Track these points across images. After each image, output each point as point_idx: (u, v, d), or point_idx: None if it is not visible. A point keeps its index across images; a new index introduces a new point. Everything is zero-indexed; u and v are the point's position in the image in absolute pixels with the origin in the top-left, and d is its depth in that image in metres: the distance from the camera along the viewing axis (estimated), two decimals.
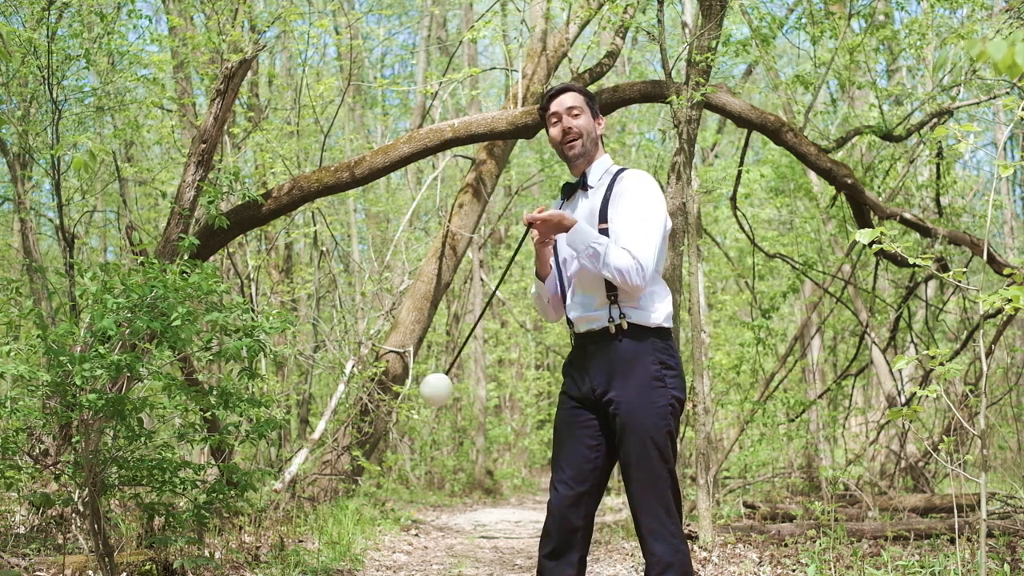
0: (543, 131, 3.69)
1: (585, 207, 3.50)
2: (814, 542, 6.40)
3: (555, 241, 3.50)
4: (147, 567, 5.21)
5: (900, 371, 10.36)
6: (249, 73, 9.00)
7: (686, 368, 11.13)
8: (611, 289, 3.34)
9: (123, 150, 12.37)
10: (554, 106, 3.51)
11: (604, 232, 3.37)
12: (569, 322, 3.51)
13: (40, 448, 6.79)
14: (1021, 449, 10.75)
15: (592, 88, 9.83)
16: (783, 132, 7.95)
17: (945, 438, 8.19)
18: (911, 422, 9.50)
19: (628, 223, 3.33)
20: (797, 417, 10.18)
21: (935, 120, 8.38)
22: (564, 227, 3.33)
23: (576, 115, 3.49)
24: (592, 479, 3.39)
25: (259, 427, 5.74)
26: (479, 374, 16.15)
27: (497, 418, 19.29)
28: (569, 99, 3.51)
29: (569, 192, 3.56)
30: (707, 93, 7.41)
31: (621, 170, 3.50)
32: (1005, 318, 7.54)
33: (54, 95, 8.30)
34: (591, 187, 3.51)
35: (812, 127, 10.11)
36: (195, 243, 5.80)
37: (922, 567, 5.43)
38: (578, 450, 3.40)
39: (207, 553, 5.64)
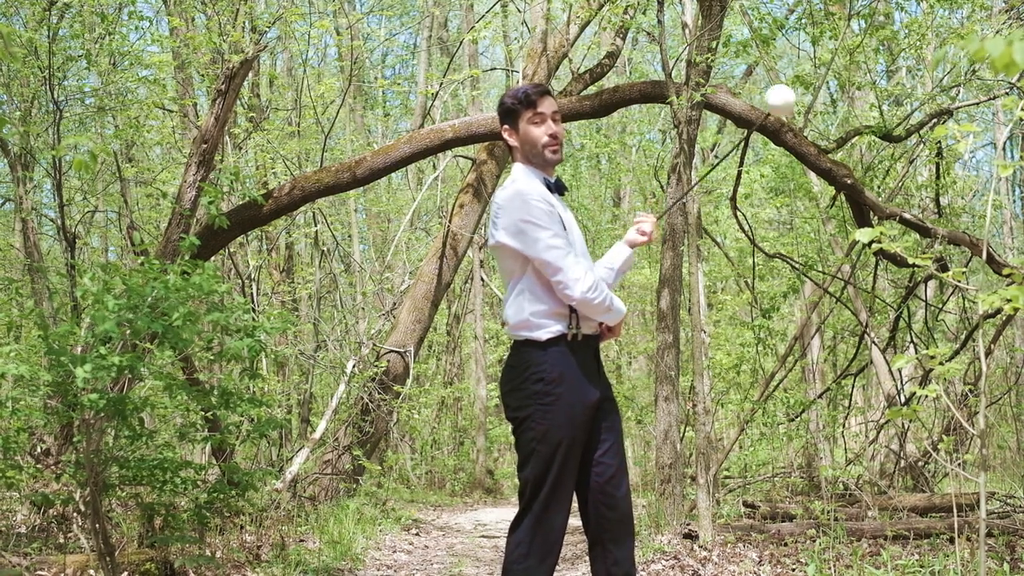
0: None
1: (570, 213, 3.60)
2: (814, 541, 6.42)
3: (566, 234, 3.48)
4: (148, 566, 5.23)
5: (900, 371, 10.36)
6: (250, 74, 9.03)
7: (686, 368, 11.14)
8: None
9: (124, 150, 12.39)
10: (542, 107, 3.49)
11: None
12: (578, 323, 3.42)
13: (41, 448, 6.81)
14: (1020, 449, 10.77)
15: (592, 89, 9.86)
16: (783, 132, 7.97)
17: (944, 438, 8.21)
18: (911, 422, 9.50)
19: None
20: (797, 417, 10.18)
21: (935, 120, 8.39)
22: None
23: (557, 121, 3.53)
24: None
25: (260, 427, 5.76)
26: (480, 374, 16.16)
27: (498, 418, 19.29)
28: (552, 104, 3.54)
29: (550, 190, 3.56)
30: (707, 93, 7.42)
31: None
32: (1004, 318, 7.55)
33: (55, 95, 8.32)
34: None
35: (812, 127, 10.13)
36: (196, 243, 5.81)
37: (922, 566, 5.44)
38: (577, 467, 3.42)
39: (208, 552, 5.65)
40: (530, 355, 3.39)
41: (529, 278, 3.40)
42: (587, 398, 3.37)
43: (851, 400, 11.48)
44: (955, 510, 5.45)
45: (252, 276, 10.58)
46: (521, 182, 3.45)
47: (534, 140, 3.49)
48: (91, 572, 5.04)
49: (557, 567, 3.64)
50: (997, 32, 7.99)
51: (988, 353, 8.06)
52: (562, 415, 3.33)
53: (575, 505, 3.48)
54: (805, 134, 8.26)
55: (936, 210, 9.68)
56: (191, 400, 5.56)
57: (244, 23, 10.05)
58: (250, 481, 5.76)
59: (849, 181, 7.94)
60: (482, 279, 16.43)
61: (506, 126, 3.56)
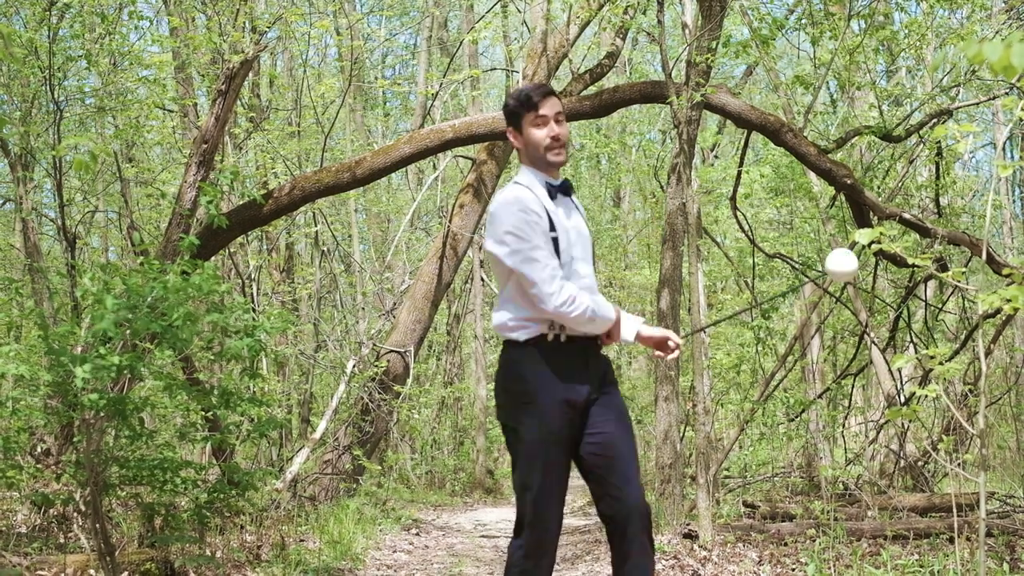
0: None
1: (576, 213, 3.58)
2: (814, 541, 6.42)
3: (556, 242, 3.43)
4: (148, 566, 5.23)
5: (899, 371, 10.35)
6: (250, 74, 9.03)
7: (686, 368, 11.14)
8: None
9: (124, 151, 12.38)
10: (544, 108, 3.45)
11: (592, 239, 3.65)
12: (562, 326, 3.45)
13: (42, 448, 6.82)
14: (1020, 448, 10.77)
15: (592, 89, 9.86)
16: (783, 132, 7.97)
17: (944, 437, 8.21)
18: (910, 422, 9.50)
19: None
20: (797, 417, 10.18)
21: (935, 120, 8.39)
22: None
23: (560, 121, 3.49)
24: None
25: (260, 427, 5.77)
26: (480, 374, 16.16)
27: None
28: (556, 105, 3.48)
29: (554, 193, 3.50)
30: (707, 94, 7.42)
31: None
32: (1004, 318, 7.55)
33: (55, 96, 8.32)
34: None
35: (812, 128, 10.13)
36: (195, 243, 5.82)
37: (921, 566, 5.44)
38: (566, 467, 3.42)
39: (208, 552, 5.65)
40: (511, 355, 3.43)
41: (516, 284, 3.41)
42: (568, 397, 3.36)
43: (851, 400, 11.48)
44: (955, 510, 5.45)
45: (252, 276, 10.58)
46: (513, 190, 3.45)
47: (536, 143, 3.47)
48: (91, 572, 5.04)
49: (556, 567, 3.63)
50: (997, 32, 7.99)
51: (988, 353, 8.06)
52: (540, 415, 3.35)
53: (574, 506, 3.50)
54: (805, 134, 8.26)
55: (936, 210, 9.68)
56: (191, 400, 5.57)
57: (244, 23, 10.05)
58: (250, 481, 5.77)
59: (849, 181, 7.94)
60: (482, 279, 16.42)
61: (511, 128, 3.54)
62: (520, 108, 3.48)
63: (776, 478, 10.66)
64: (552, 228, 3.40)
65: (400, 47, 21.52)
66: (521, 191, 3.44)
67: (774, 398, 9.78)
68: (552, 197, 3.47)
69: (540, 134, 3.46)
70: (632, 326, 3.51)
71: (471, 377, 17.36)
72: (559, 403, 3.35)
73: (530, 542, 3.37)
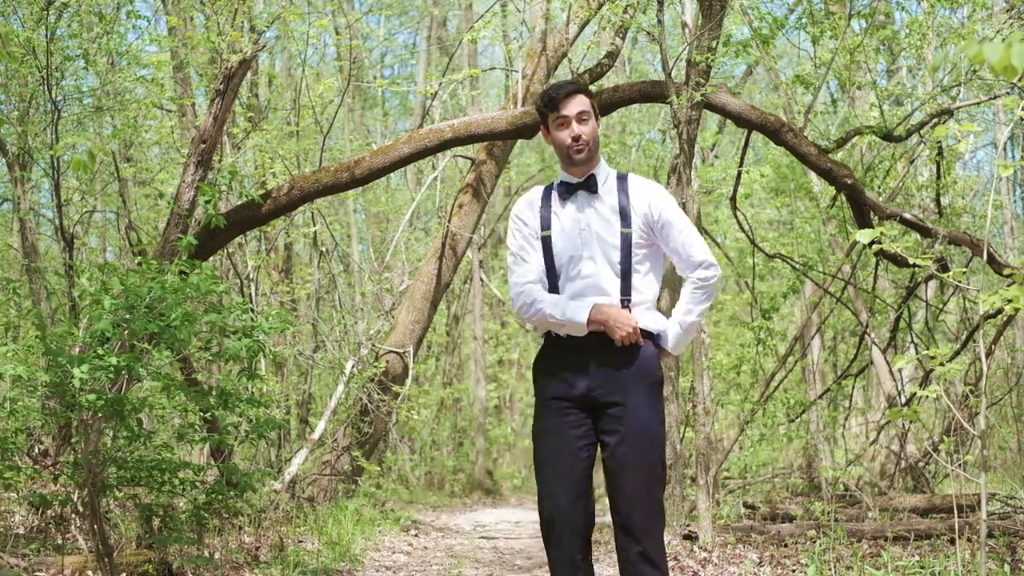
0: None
1: (600, 209, 3.47)
2: (814, 542, 6.40)
3: (548, 241, 3.47)
4: (146, 567, 5.21)
5: (900, 371, 10.35)
6: (249, 73, 9.00)
7: (686, 368, 11.12)
8: (625, 294, 3.44)
9: (122, 150, 12.35)
10: (565, 109, 3.43)
11: (627, 235, 3.42)
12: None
13: (39, 448, 6.79)
14: (1021, 449, 10.75)
15: (592, 88, 9.84)
16: (783, 132, 7.95)
17: (945, 438, 8.19)
18: (911, 422, 9.48)
19: (691, 234, 3.50)
20: (797, 417, 10.17)
21: (935, 120, 8.37)
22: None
23: (584, 120, 3.44)
24: (586, 480, 3.45)
25: (259, 427, 5.75)
26: (479, 374, 16.14)
27: (497, 419, 19.27)
28: (579, 103, 3.44)
29: (569, 192, 3.49)
30: (707, 93, 7.40)
31: (622, 174, 3.56)
32: (1005, 318, 7.53)
33: (53, 95, 8.29)
34: (599, 190, 3.51)
35: (812, 127, 10.11)
36: (193, 243, 5.80)
37: (922, 568, 5.42)
38: (572, 452, 3.41)
39: (207, 553, 5.63)
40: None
41: None
42: (561, 391, 3.42)
43: (851, 401, 11.47)
44: (956, 511, 5.43)
45: (250, 276, 10.54)
46: (523, 196, 3.63)
47: (559, 144, 3.49)
48: (89, 573, 5.02)
49: None
50: (997, 32, 7.97)
51: (989, 354, 8.04)
52: (539, 407, 3.50)
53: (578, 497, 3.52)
54: (805, 134, 8.24)
55: (937, 210, 9.66)
56: (189, 401, 5.54)
57: (243, 23, 10.02)
58: (248, 482, 5.74)
59: (849, 181, 7.92)
60: (481, 279, 16.41)
61: (542, 127, 3.58)
62: (544, 109, 3.50)
63: (776, 479, 10.65)
64: (546, 228, 3.47)
65: (399, 46, 21.50)
66: (527, 194, 3.61)
67: (774, 399, 9.76)
68: (568, 195, 3.49)
69: (562, 135, 3.47)
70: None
71: (470, 378, 17.34)
72: (554, 396, 3.45)
73: (543, 527, 3.46)
